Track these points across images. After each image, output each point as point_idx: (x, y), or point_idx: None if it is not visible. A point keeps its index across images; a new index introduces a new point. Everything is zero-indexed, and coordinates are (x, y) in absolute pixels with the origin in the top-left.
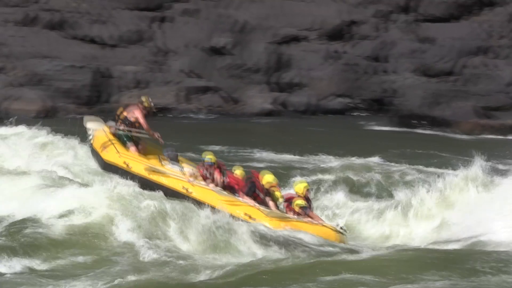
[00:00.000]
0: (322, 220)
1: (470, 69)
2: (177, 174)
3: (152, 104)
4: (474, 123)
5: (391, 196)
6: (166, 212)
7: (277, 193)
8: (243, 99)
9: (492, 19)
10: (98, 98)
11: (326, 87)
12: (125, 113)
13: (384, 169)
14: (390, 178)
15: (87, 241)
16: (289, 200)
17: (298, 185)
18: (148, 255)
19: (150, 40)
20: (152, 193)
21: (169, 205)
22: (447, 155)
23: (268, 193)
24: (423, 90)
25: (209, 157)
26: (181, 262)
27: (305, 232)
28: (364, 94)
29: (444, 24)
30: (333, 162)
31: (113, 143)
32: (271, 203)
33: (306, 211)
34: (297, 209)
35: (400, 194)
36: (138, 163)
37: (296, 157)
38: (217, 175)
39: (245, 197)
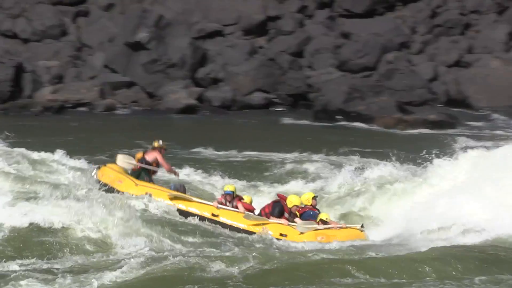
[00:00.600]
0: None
1: (392, 65)
2: (202, 200)
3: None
4: (395, 118)
5: (302, 185)
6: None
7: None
8: (166, 95)
9: (414, 15)
10: (19, 94)
11: (248, 82)
12: (145, 156)
13: (296, 160)
14: (304, 169)
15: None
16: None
17: (306, 197)
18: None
19: (72, 35)
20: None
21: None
22: (365, 148)
23: (293, 213)
24: (344, 85)
25: (229, 187)
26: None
27: (338, 238)
28: (286, 89)
29: (365, 19)
30: (252, 156)
31: (126, 176)
32: (298, 221)
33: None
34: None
35: (312, 185)
36: (160, 192)
37: (217, 152)
38: (237, 203)
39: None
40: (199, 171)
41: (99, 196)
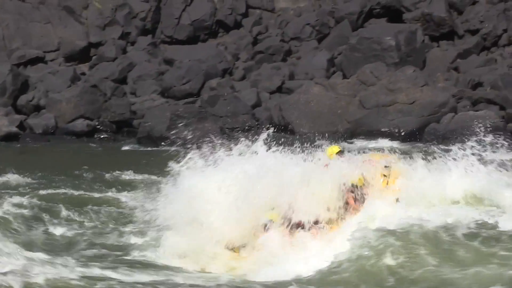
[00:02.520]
0: None
1: (215, 91)
2: None
3: None
4: (219, 144)
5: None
6: None
7: None
8: None
9: (236, 41)
10: None
11: (71, 109)
12: None
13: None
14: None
15: None
16: None
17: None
18: None
19: None
20: None
21: None
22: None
23: None
24: (168, 112)
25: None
26: None
27: None
28: (110, 116)
29: (188, 46)
30: (69, 183)
31: None
32: None
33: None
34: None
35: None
36: None
37: (31, 180)
38: None
39: None
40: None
41: None
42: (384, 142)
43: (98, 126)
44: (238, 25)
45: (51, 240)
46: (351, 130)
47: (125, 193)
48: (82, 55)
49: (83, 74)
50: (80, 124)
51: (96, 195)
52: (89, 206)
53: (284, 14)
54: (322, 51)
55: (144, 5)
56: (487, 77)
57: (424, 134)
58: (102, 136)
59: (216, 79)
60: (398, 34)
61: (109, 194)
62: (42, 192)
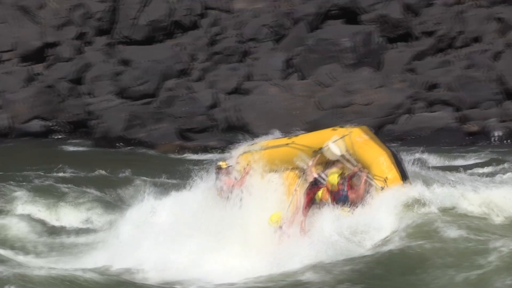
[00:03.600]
0: None
1: (172, 92)
2: None
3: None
4: (176, 145)
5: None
6: None
7: None
8: None
9: (193, 42)
10: None
11: (26, 110)
12: None
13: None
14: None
15: None
16: None
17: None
18: None
19: None
20: None
21: None
22: (137, 170)
23: None
24: (124, 112)
25: None
26: None
27: None
28: (66, 117)
29: (145, 47)
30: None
31: None
32: None
33: None
34: None
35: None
36: None
37: None
38: None
39: None
40: None
41: None
42: None
43: (54, 127)
44: (195, 26)
45: None
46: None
47: (79, 193)
48: (37, 55)
49: (39, 74)
50: (36, 125)
51: (49, 196)
52: (39, 207)
53: (241, 15)
54: (279, 52)
55: (100, 5)
56: (443, 78)
57: (381, 135)
58: (57, 137)
59: (173, 80)
60: (355, 36)
61: (63, 195)
62: None
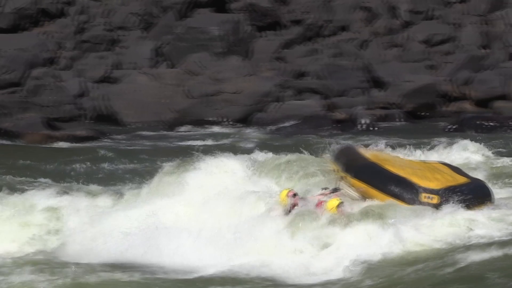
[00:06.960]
0: None
1: (37, 81)
2: None
3: None
4: (43, 134)
5: None
6: None
7: None
8: None
9: (60, 30)
10: None
11: None
12: None
13: None
14: None
15: None
16: None
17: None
18: None
19: None
20: None
21: None
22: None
23: None
24: None
25: None
26: None
27: None
28: None
29: (10, 35)
30: None
31: None
32: None
33: None
34: None
35: None
36: None
37: None
38: None
39: None
40: None
41: None
42: (214, 129)
43: None
44: (62, 14)
45: None
46: (178, 120)
47: None
48: None
49: None
50: None
51: None
52: None
53: (110, 3)
54: (148, 40)
55: None
56: (311, 67)
57: (250, 123)
58: None
59: (40, 69)
60: (223, 24)
61: None
62: None
